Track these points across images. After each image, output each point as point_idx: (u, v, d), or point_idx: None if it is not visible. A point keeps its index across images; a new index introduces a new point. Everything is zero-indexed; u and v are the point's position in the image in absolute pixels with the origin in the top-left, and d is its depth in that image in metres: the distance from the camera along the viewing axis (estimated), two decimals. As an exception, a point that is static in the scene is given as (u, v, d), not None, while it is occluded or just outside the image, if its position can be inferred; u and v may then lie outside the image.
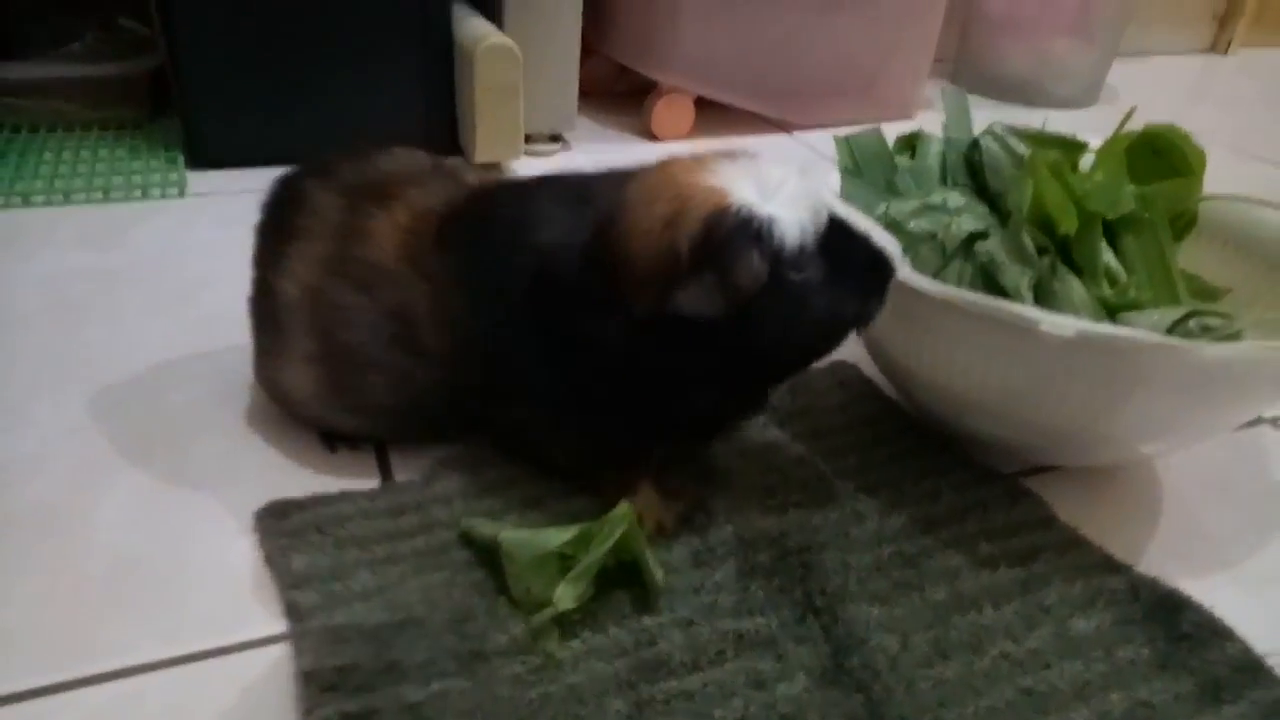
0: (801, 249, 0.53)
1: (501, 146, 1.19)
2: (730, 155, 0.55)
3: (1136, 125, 0.76)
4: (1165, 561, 0.65)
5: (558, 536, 0.55)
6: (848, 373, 0.81)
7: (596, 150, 1.35)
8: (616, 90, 1.55)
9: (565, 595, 0.52)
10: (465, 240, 0.61)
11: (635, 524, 0.55)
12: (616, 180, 0.56)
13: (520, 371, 0.61)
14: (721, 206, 0.51)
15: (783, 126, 1.49)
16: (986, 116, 1.67)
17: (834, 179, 0.76)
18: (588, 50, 1.53)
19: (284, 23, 1.12)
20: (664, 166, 0.55)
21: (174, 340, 0.81)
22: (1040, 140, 0.75)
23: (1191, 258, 0.76)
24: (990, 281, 0.68)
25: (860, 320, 0.57)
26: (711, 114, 1.43)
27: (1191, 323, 0.65)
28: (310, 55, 1.14)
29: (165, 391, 0.75)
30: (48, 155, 1.14)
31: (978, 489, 0.67)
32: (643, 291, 0.53)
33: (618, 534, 0.54)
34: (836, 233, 0.54)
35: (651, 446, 0.64)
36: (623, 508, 0.55)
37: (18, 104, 1.20)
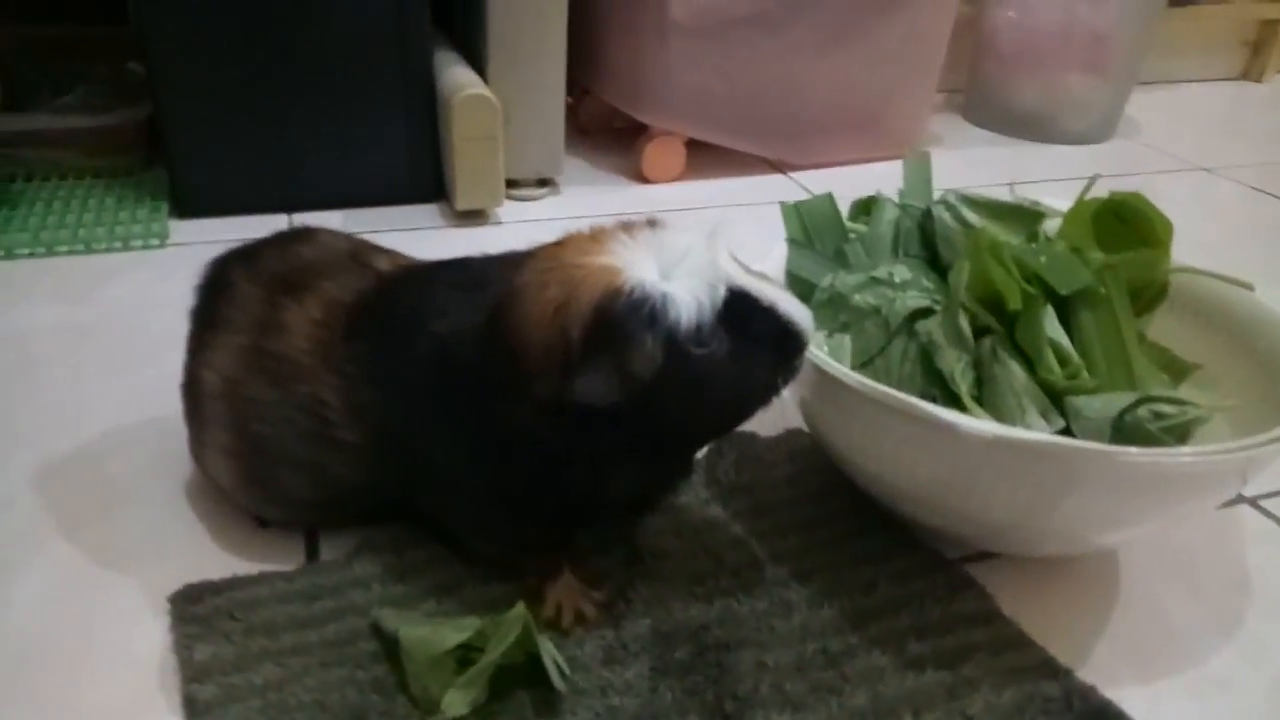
0: (699, 325, 0.50)
1: (482, 194, 1.18)
2: (630, 228, 0.53)
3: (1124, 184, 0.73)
4: (1115, 662, 0.61)
5: (454, 636, 0.53)
6: (800, 442, 0.78)
7: (586, 193, 1.33)
8: (616, 127, 1.54)
9: (455, 701, 0.51)
10: (371, 331, 0.60)
11: (531, 623, 0.53)
12: (513, 262, 0.55)
13: (433, 461, 0.60)
14: (613, 289, 0.50)
15: (778, 167, 1.47)
16: (999, 153, 1.66)
17: (779, 249, 0.74)
18: (585, 90, 1.53)
19: (268, 71, 1.13)
20: (557, 247, 0.54)
21: (128, 403, 0.81)
22: (996, 210, 0.72)
23: (1164, 330, 0.73)
24: (929, 362, 0.65)
25: (769, 393, 0.55)
26: (705, 154, 1.41)
27: (1142, 410, 0.62)
28: (294, 104, 1.15)
29: (108, 459, 0.75)
30: (39, 206, 1.16)
31: (917, 579, 0.65)
32: (540, 379, 0.51)
33: (512, 636, 0.52)
34: (742, 303, 0.52)
35: (570, 530, 0.62)
36: (518, 608, 0.53)
37: (19, 154, 1.23)
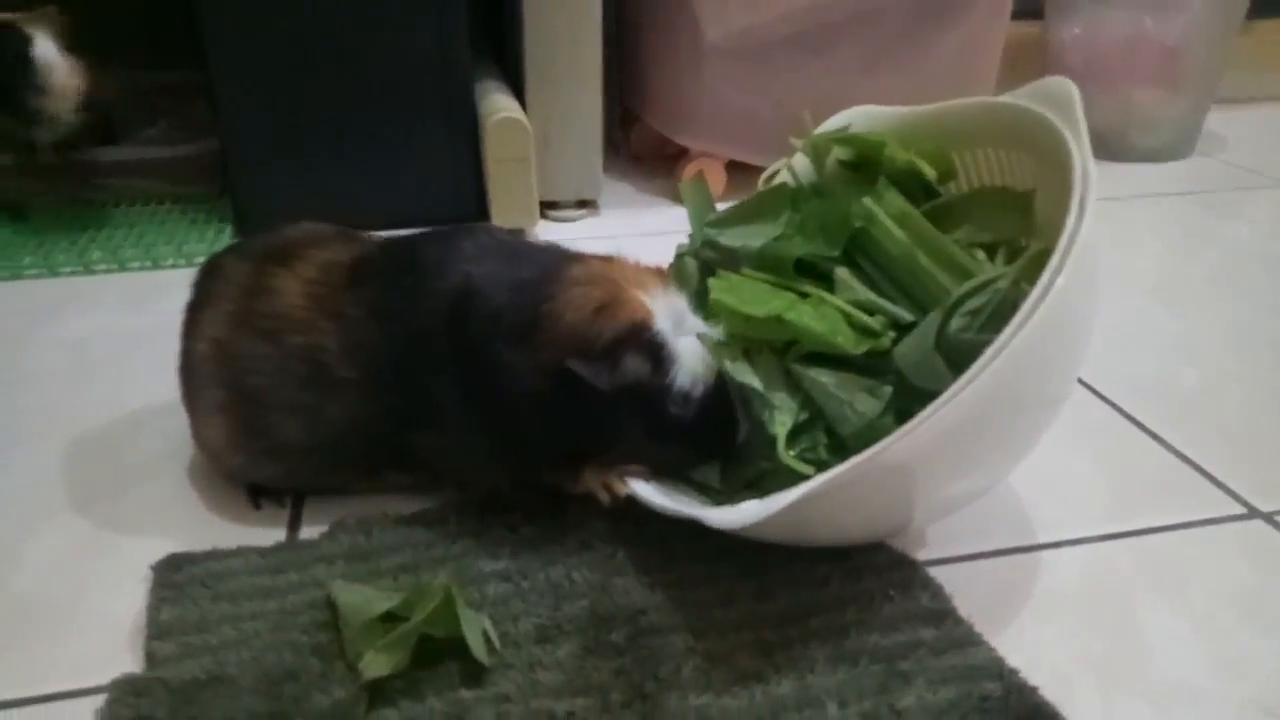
0: (687, 395, 0.63)
1: (518, 214, 1.23)
2: (663, 276, 0.66)
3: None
4: (1075, 669, 0.58)
5: (383, 603, 0.56)
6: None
7: (624, 215, 1.37)
8: (666, 154, 1.57)
9: (374, 662, 0.53)
10: (381, 275, 0.67)
11: (453, 595, 0.55)
12: (552, 251, 0.67)
13: (431, 393, 0.64)
14: (649, 322, 0.62)
15: (825, 187, 1.46)
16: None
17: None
18: (636, 116, 1.56)
19: (321, 104, 1.21)
20: (607, 261, 0.65)
21: (158, 398, 0.87)
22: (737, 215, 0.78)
23: (998, 166, 0.72)
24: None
25: (678, 471, 0.68)
26: (747, 175, 1.42)
27: (955, 320, 0.60)
28: (345, 133, 1.23)
29: (128, 446, 0.81)
30: (122, 228, 1.28)
31: (873, 576, 0.63)
32: (551, 347, 0.61)
33: (432, 606, 0.54)
34: (715, 394, 0.64)
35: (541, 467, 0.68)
36: (441, 578, 0.55)
37: (109, 183, 1.35)
